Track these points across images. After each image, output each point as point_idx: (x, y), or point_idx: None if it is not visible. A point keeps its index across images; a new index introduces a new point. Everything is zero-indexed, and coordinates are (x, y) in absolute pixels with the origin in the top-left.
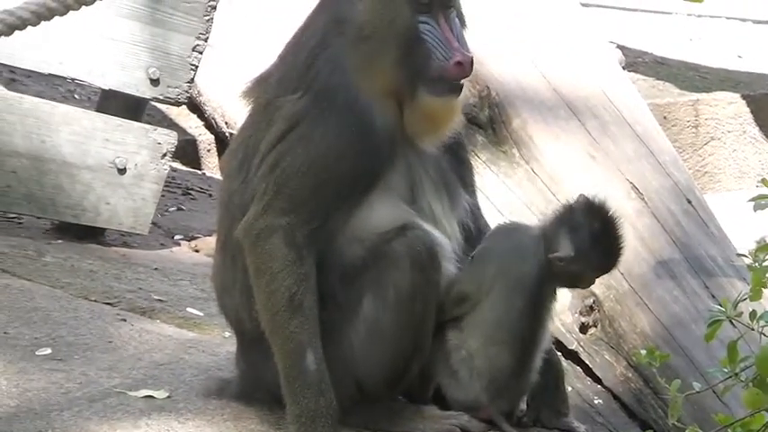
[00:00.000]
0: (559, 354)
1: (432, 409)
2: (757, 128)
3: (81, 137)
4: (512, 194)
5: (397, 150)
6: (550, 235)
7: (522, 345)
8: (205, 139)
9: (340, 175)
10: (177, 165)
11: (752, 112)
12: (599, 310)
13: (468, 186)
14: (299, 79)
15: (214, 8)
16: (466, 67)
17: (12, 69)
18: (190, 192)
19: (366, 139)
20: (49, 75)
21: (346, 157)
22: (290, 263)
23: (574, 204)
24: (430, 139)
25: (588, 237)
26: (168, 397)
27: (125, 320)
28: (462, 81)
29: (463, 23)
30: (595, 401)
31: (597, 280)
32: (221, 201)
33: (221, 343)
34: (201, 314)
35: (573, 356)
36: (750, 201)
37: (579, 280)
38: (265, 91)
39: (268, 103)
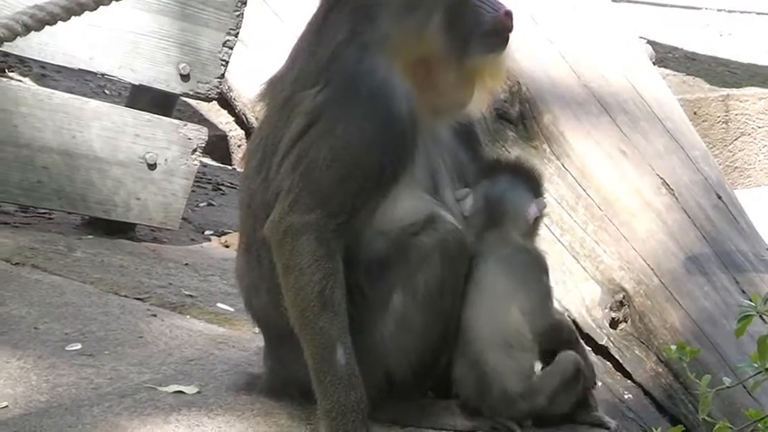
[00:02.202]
0: (589, 349)
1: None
2: None
3: (111, 132)
4: None
5: (418, 139)
6: None
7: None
8: (236, 134)
9: (366, 167)
10: (208, 160)
11: None
12: (629, 306)
13: None
14: (318, 74)
15: (244, 3)
16: (512, 16)
17: (42, 65)
18: (220, 187)
19: (391, 126)
20: (80, 70)
21: (371, 147)
22: (319, 258)
23: None
24: (478, 102)
25: None
26: (198, 392)
27: (155, 316)
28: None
29: None
30: (625, 396)
31: (628, 275)
32: (242, 201)
33: (252, 339)
34: (232, 310)
35: (603, 352)
36: None
37: None
38: (282, 89)
39: (286, 101)
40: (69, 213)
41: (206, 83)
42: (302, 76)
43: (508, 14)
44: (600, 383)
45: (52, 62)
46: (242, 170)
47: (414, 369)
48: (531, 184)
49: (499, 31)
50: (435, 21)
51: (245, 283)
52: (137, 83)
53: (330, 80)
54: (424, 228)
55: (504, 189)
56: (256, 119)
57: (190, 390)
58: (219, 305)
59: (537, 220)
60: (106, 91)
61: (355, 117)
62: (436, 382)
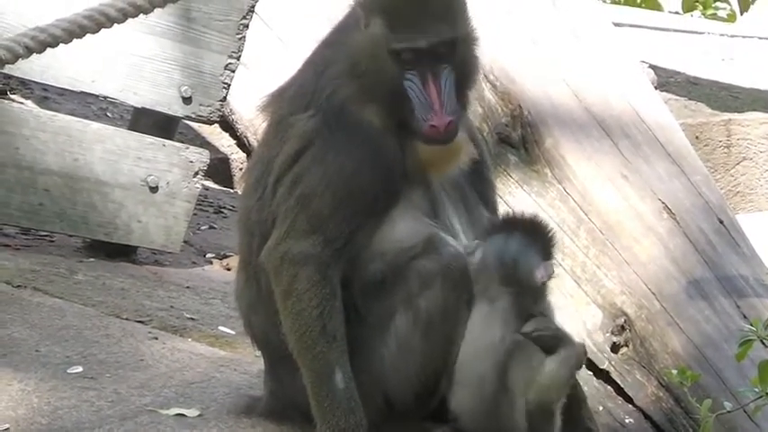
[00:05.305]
0: (591, 373)
1: None
2: None
3: (113, 155)
4: (544, 214)
5: (412, 168)
6: None
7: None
8: (237, 157)
9: (358, 194)
10: (209, 183)
11: None
12: (630, 330)
13: (489, 204)
14: (311, 99)
15: (246, 26)
16: (440, 130)
17: (44, 87)
18: (222, 210)
19: (378, 158)
20: (82, 93)
21: (361, 176)
22: (316, 283)
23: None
24: (436, 175)
25: None
26: (200, 415)
27: (157, 339)
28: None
29: (469, 72)
30: (626, 421)
31: (629, 299)
32: (240, 219)
33: (253, 361)
34: (233, 332)
35: (604, 376)
36: None
37: None
38: (280, 106)
39: (281, 119)
40: (71, 236)
41: (208, 106)
42: (298, 97)
43: (434, 127)
44: (601, 408)
45: (54, 84)
46: (242, 188)
47: (415, 392)
48: (544, 244)
49: (431, 137)
50: (379, 98)
51: (245, 301)
52: (139, 106)
53: (319, 107)
54: (425, 251)
55: (518, 250)
56: (258, 141)
57: (191, 413)
58: (221, 328)
59: (544, 283)
60: (108, 114)
61: (342, 147)
62: (438, 406)
